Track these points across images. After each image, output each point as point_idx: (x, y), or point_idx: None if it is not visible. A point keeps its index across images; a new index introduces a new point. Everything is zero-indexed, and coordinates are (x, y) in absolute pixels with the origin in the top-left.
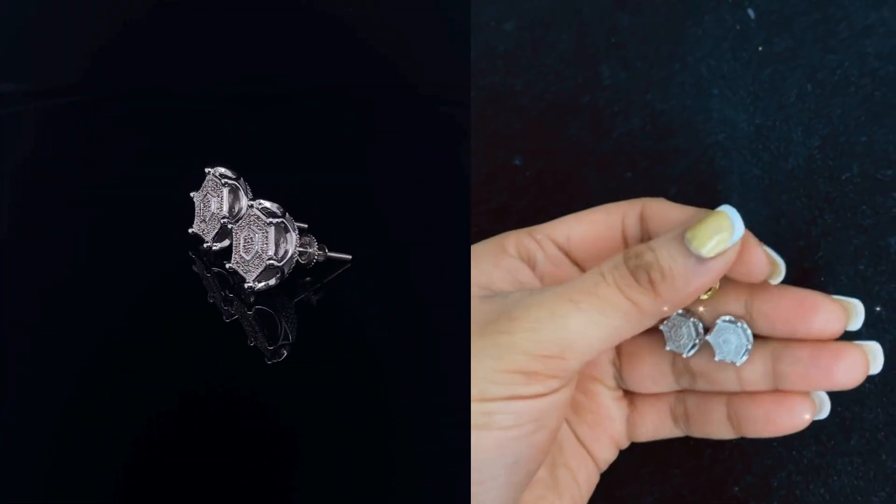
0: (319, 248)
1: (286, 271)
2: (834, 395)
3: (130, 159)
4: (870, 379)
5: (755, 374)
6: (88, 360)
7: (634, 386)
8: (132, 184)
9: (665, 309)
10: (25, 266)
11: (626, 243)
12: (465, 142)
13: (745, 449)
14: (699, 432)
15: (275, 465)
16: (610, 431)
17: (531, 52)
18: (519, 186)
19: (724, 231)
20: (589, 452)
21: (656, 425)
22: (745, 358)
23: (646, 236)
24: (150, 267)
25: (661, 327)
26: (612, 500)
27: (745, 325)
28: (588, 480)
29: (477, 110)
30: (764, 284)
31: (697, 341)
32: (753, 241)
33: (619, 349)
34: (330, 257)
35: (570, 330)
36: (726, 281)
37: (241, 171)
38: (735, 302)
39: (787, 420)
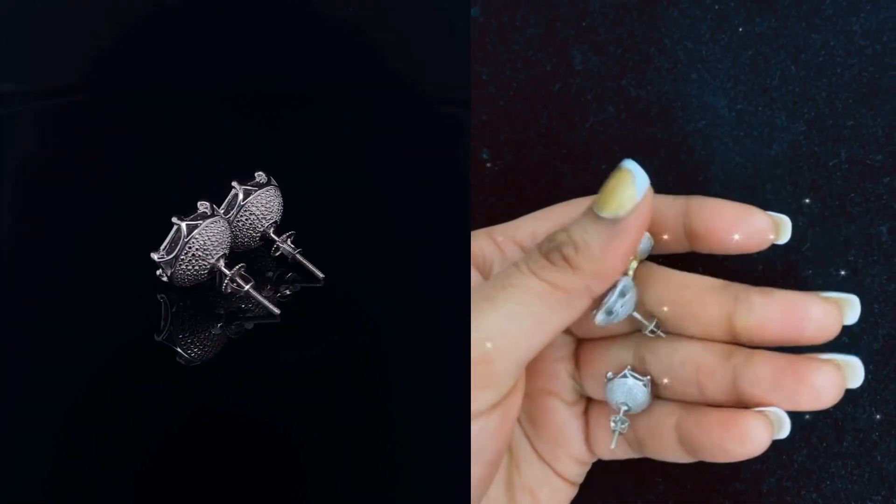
0: (240, 279)
1: (164, 278)
2: None
3: (130, 159)
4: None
5: (717, 389)
6: (89, 362)
7: (595, 392)
8: (132, 184)
9: (589, 285)
10: (25, 266)
11: None
12: (466, 141)
13: None
14: (656, 456)
15: (275, 464)
16: (569, 450)
17: (497, 39)
18: (486, 182)
19: (626, 185)
20: (553, 470)
21: (612, 449)
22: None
23: None
24: (151, 267)
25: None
26: None
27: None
28: (554, 501)
29: None
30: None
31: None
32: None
33: (577, 358)
34: (251, 296)
35: (488, 329)
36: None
37: (241, 171)
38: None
39: (740, 448)
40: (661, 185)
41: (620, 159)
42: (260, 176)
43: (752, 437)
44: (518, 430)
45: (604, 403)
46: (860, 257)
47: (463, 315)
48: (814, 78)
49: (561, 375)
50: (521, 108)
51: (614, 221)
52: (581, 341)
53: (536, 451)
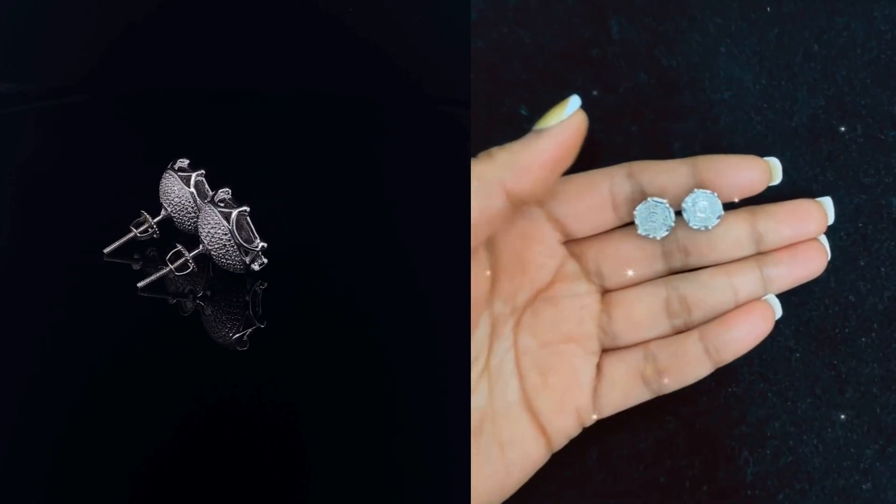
0: (143, 227)
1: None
2: (830, 349)
3: (130, 159)
4: (867, 333)
5: (748, 284)
6: (91, 363)
7: (626, 335)
8: (132, 184)
9: (502, 177)
10: (26, 267)
11: (614, 202)
12: (467, 141)
13: (741, 398)
14: (676, 379)
15: (276, 462)
16: (576, 399)
17: (541, 5)
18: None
19: (560, 108)
20: (542, 428)
21: (625, 391)
22: (717, 221)
23: (638, 193)
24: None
25: (634, 212)
26: (604, 445)
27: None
28: (521, 462)
29: (484, 58)
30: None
31: (671, 224)
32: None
33: (607, 305)
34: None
35: None
36: None
37: (242, 171)
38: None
39: (762, 327)
40: (688, 149)
41: (651, 122)
42: (198, 174)
43: (764, 317)
44: (511, 380)
45: (618, 358)
46: (870, 224)
47: (463, 313)
48: (835, 57)
49: (586, 323)
50: (559, 70)
51: (541, 131)
52: (607, 291)
53: (529, 404)
